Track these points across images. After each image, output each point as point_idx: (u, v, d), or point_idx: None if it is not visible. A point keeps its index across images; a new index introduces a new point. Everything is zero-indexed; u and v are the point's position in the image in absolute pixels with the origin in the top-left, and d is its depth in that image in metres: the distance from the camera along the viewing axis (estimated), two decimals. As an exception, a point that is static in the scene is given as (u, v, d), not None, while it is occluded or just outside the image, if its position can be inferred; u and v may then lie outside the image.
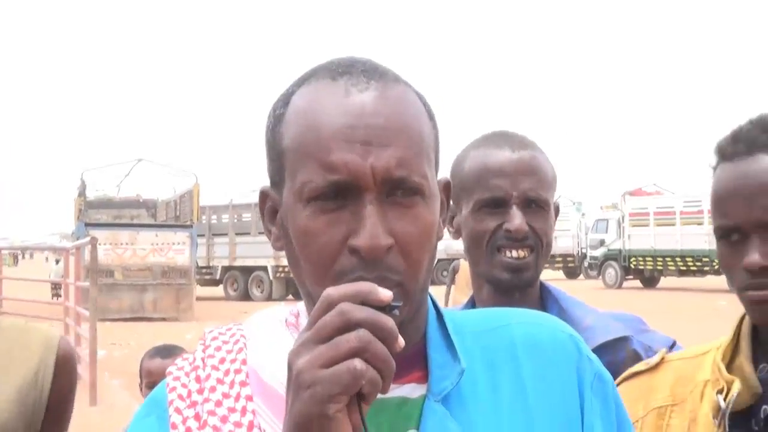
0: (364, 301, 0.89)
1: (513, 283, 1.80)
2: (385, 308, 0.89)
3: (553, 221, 1.84)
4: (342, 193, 0.99)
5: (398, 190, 1.00)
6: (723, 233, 1.41)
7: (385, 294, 0.90)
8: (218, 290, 28.16)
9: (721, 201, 1.41)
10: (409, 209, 1.00)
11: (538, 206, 1.79)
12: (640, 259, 30.59)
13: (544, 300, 1.88)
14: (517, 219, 1.77)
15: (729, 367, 1.44)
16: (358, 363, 0.86)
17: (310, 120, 1.02)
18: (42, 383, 1.79)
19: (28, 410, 1.78)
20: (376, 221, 0.97)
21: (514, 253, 1.78)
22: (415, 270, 1.01)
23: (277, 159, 1.05)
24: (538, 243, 1.79)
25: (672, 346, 1.83)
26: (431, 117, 1.08)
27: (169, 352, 3.88)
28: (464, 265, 16.28)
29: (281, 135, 1.05)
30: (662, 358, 1.56)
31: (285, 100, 1.07)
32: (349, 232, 0.98)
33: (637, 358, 1.76)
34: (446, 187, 1.12)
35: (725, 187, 1.41)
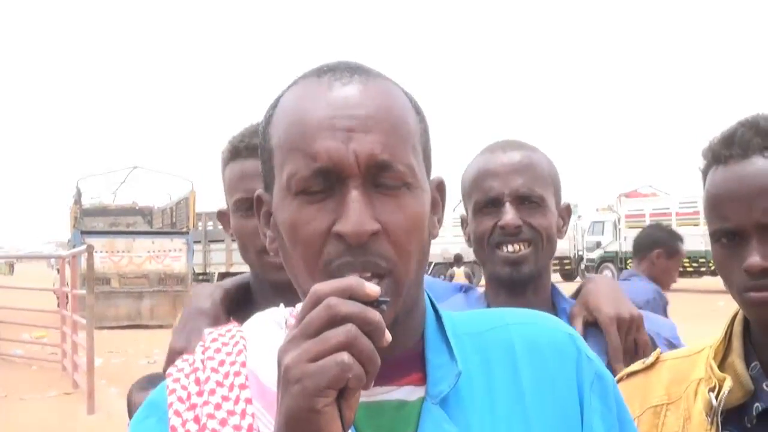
0: (352, 296, 0.88)
1: (512, 277, 1.85)
2: (373, 303, 0.88)
3: (553, 217, 1.90)
4: (328, 182, 0.99)
5: (383, 178, 1.00)
6: (721, 236, 1.41)
7: (373, 289, 0.89)
8: (215, 297, 28.02)
9: (720, 204, 1.41)
10: (395, 199, 1.00)
11: (533, 202, 1.85)
12: (637, 260, 30.53)
13: (554, 297, 1.94)
14: (509, 214, 1.83)
15: (721, 365, 1.45)
16: (346, 356, 0.85)
17: (296, 115, 1.03)
18: None
19: None
20: (360, 206, 0.97)
21: (510, 248, 1.84)
22: (405, 260, 1.00)
23: (268, 160, 1.07)
24: (536, 237, 1.85)
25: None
26: (418, 111, 1.08)
27: (161, 380, 3.81)
28: (458, 273, 16.33)
29: (270, 135, 1.06)
30: (657, 358, 1.57)
31: (274, 103, 1.08)
32: (334, 220, 0.98)
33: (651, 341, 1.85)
34: (440, 186, 1.12)
35: (723, 190, 1.40)
